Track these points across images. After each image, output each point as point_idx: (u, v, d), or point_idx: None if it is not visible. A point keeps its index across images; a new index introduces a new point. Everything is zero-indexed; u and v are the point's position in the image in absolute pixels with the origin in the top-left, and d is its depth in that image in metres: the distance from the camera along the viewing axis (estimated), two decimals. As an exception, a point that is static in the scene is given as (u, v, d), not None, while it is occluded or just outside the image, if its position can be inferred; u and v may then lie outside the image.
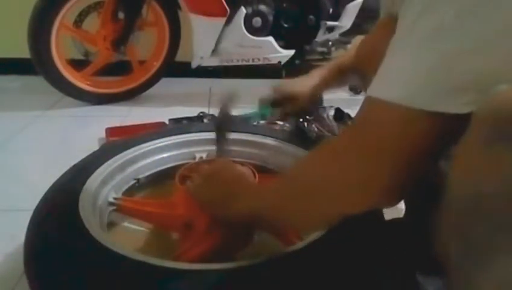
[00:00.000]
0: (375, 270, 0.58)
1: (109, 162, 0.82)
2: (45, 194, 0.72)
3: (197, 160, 0.94)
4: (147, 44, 1.87)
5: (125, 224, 0.83)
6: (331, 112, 1.25)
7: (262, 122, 1.44)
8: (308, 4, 1.77)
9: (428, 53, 0.41)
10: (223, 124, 0.86)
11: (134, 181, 0.88)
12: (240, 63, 1.75)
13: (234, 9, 1.65)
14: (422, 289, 0.59)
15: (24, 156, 1.30)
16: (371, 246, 0.60)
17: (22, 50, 1.65)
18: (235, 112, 0.91)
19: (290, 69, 1.85)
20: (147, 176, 0.90)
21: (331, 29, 1.81)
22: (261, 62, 1.75)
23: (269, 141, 0.97)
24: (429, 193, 0.44)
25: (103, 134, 1.38)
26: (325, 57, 1.86)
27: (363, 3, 1.75)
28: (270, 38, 1.73)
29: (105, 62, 1.77)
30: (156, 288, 0.52)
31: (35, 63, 1.64)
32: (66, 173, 0.78)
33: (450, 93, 0.40)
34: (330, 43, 1.83)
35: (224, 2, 1.61)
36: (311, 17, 1.77)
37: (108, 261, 0.55)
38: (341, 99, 1.48)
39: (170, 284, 0.52)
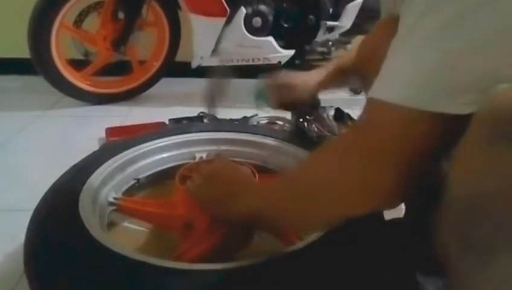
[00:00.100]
0: (375, 270, 0.58)
1: (109, 162, 0.82)
2: (45, 194, 0.71)
3: (197, 160, 0.94)
4: (147, 44, 1.87)
5: (125, 224, 0.83)
6: (331, 112, 1.25)
7: (262, 122, 1.45)
8: (308, 4, 1.76)
9: (429, 53, 0.41)
10: (215, 88, 0.86)
11: (134, 181, 0.88)
12: (240, 63, 1.75)
13: (234, 9, 1.65)
14: (422, 289, 0.59)
15: (24, 156, 1.30)
16: (371, 246, 0.60)
17: (22, 50, 1.65)
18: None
19: (290, 69, 1.85)
20: (147, 176, 0.90)
21: (331, 29, 1.81)
22: (261, 62, 1.75)
23: (269, 141, 0.97)
24: (429, 193, 0.44)
25: (103, 134, 1.38)
26: (325, 57, 1.86)
27: (363, 3, 1.75)
28: (270, 38, 1.73)
29: (105, 62, 1.77)
30: (156, 288, 0.52)
31: (35, 63, 1.64)
32: (66, 173, 0.78)
33: (451, 94, 0.40)
34: (330, 43, 1.83)
35: (224, 2, 1.61)
36: (311, 17, 1.77)
37: (108, 261, 0.55)
38: (341, 99, 1.48)
39: (170, 284, 0.52)
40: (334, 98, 1.25)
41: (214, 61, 1.73)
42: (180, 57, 1.89)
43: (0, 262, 0.82)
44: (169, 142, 0.94)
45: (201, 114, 1.51)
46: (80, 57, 1.88)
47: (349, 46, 1.88)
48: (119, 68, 1.83)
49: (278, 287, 0.53)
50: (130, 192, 0.87)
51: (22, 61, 1.79)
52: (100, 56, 1.77)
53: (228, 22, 1.66)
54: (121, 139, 1.05)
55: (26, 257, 0.60)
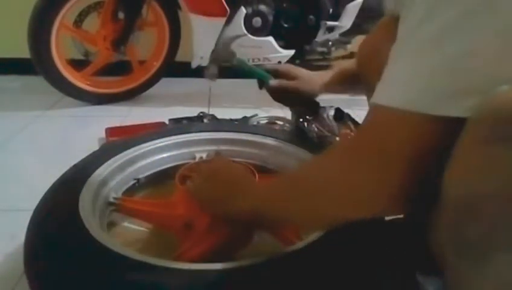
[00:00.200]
0: (375, 270, 0.58)
1: (109, 162, 0.82)
2: (45, 194, 0.71)
3: (197, 160, 0.94)
4: (147, 44, 1.87)
5: (125, 224, 0.83)
6: (331, 112, 1.25)
7: (262, 122, 1.45)
8: (308, 4, 1.76)
9: (430, 57, 0.41)
10: (221, 52, 0.86)
11: (134, 181, 0.88)
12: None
13: (234, 9, 1.65)
14: (422, 289, 0.59)
15: (24, 156, 1.30)
16: (371, 246, 0.60)
17: (22, 50, 1.66)
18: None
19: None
20: (147, 176, 0.90)
21: (331, 29, 1.81)
22: (261, 62, 1.75)
23: (269, 141, 0.97)
24: (429, 194, 0.44)
25: (103, 134, 1.38)
26: (325, 57, 1.86)
27: (363, 3, 1.75)
28: (270, 38, 1.73)
29: (105, 62, 1.78)
30: (156, 288, 0.52)
31: (35, 63, 1.64)
32: (66, 173, 0.78)
33: (452, 97, 0.40)
34: (330, 43, 1.83)
35: (224, 2, 1.61)
36: (311, 17, 1.77)
37: (108, 261, 0.55)
38: (341, 99, 1.48)
39: (170, 284, 0.52)
40: (334, 98, 1.25)
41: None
42: (180, 57, 1.89)
43: (0, 262, 0.82)
44: (169, 142, 0.94)
45: (201, 114, 1.51)
46: (80, 57, 1.88)
47: (349, 46, 1.88)
48: (119, 68, 1.83)
49: (278, 287, 0.53)
50: (130, 192, 0.87)
51: (22, 61, 1.79)
52: (100, 56, 1.77)
53: (228, 22, 1.66)
54: (121, 139, 1.05)
55: (26, 257, 0.60)
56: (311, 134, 1.04)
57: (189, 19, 1.68)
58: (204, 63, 1.72)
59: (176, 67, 1.91)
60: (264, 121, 1.45)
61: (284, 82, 0.96)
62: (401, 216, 0.68)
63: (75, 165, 0.81)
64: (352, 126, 1.22)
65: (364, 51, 0.85)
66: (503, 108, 0.36)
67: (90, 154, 0.86)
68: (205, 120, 1.46)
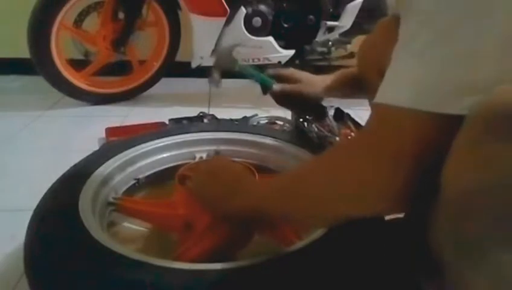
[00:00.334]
0: (375, 270, 0.58)
1: (109, 162, 0.82)
2: (45, 194, 0.71)
3: (197, 160, 0.94)
4: (147, 44, 1.87)
5: (125, 224, 0.83)
6: (331, 112, 1.25)
7: (262, 122, 1.45)
8: (308, 4, 1.77)
9: (434, 56, 0.42)
10: (223, 59, 0.87)
11: (134, 181, 0.88)
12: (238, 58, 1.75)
13: (234, 9, 1.65)
14: (423, 289, 0.59)
15: (24, 156, 1.30)
16: (370, 246, 0.60)
17: (22, 50, 1.66)
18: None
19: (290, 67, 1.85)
20: (147, 176, 0.90)
21: (331, 29, 1.81)
22: (261, 62, 1.75)
23: (269, 141, 0.97)
24: (430, 193, 0.44)
25: (103, 134, 1.38)
26: (325, 57, 1.86)
27: (363, 3, 1.75)
28: (270, 38, 1.73)
29: (105, 62, 1.78)
30: (156, 288, 0.51)
31: (35, 63, 1.64)
32: (66, 173, 0.78)
33: (458, 95, 0.40)
34: (330, 43, 1.83)
35: (224, 2, 1.61)
36: (311, 17, 1.77)
37: (108, 261, 0.55)
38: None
39: (170, 284, 0.51)
40: (334, 98, 1.25)
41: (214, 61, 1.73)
42: (180, 57, 1.89)
43: (0, 262, 0.82)
44: (169, 142, 0.94)
45: (201, 114, 1.51)
46: (79, 57, 1.88)
47: (349, 46, 1.88)
48: (119, 68, 1.83)
49: (277, 287, 0.53)
50: (130, 192, 0.87)
51: (22, 61, 1.79)
52: (100, 56, 1.77)
53: (228, 22, 1.66)
54: (121, 139, 1.05)
55: (26, 257, 0.60)
56: (311, 134, 1.04)
57: (190, 19, 1.68)
58: (205, 63, 1.72)
59: (176, 67, 1.91)
60: (264, 121, 1.45)
61: (287, 86, 0.96)
62: (401, 216, 0.68)
63: (75, 165, 0.81)
64: (352, 126, 1.22)
65: (364, 52, 0.85)
66: (500, 106, 0.36)
67: (90, 154, 0.86)
68: (205, 120, 1.46)
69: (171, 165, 0.93)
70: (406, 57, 0.45)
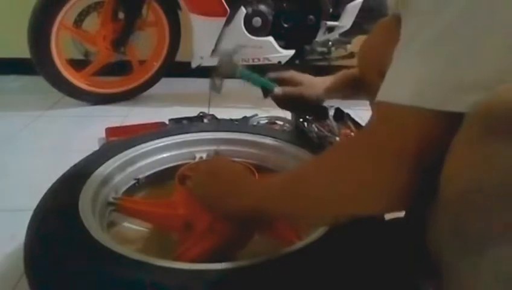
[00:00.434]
0: (375, 270, 0.58)
1: (109, 162, 0.82)
2: (45, 194, 0.71)
3: (197, 160, 0.94)
4: (147, 44, 1.87)
5: (125, 224, 0.83)
6: (331, 112, 1.25)
7: (262, 122, 1.45)
8: (308, 4, 1.77)
9: (436, 54, 0.42)
10: (224, 66, 0.87)
11: (134, 181, 0.88)
12: (239, 63, 1.75)
13: (234, 9, 1.65)
14: (422, 289, 0.59)
15: (24, 156, 1.30)
16: (370, 246, 0.60)
17: (22, 50, 1.66)
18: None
19: (290, 69, 1.85)
20: (147, 176, 0.90)
21: (331, 29, 1.81)
22: (261, 62, 1.75)
23: (269, 141, 0.97)
24: (430, 193, 0.44)
25: (103, 134, 1.38)
26: (325, 57, 1.86)
27: (363, 3, 1.75)
28: (270, 38, 1.74)
29: (105, 62, 1.78)
30: (156, 288, 0.51)
31: (35, 63, 1.64)
32: (66, 173, 0.78)
33: (460, 93, 0.40)
34: (330, 43, 1.83)
35: (224, 2, 1.61)
36: (311, 17, 1.77)
37: (108, 261, 0.55)
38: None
39: (170, 284, 0.51)
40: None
41: (214, 61, 1.73)
42: (180, 57, 1.89)
43: (0, 262, 0.82)
44: (169, 142, 0.94)
45: (201, 114, 1.51)
46: (79, 57, 1.88)
47: (349, 46, 1.88)
48: (119, 68, 1.83)
49: (277, 287, 0.53)
50: (130, 192, 0.87)
51: (22, 61, 1.79)
52: (100, 56, 1.77)
53: (228, 22, 1.66)
54: (121, 139, 1.05)
55: (26, 257, 0.60)
56: (311, 134, 1.04)
57: (190, 19, 1.68)
58: (205, 63, 1.72)
59: (176, 67, 1.91)
60: (264, 121, 1.45)
61: (288, 89, 0.96)
62: (401, 217, 0.68)
63: (75, 165, 0.81)
64: (352, 126, 1.22)
65: (365, 52, 0.85)
66: (500, 105, 0.36)
67: (90, 154, 0.86)
68: (205, 120, 1.46)
69: (171, 165, 0.93)
70: (407, 56, 0.45)
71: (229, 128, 1.04)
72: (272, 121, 1.44)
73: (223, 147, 0.98)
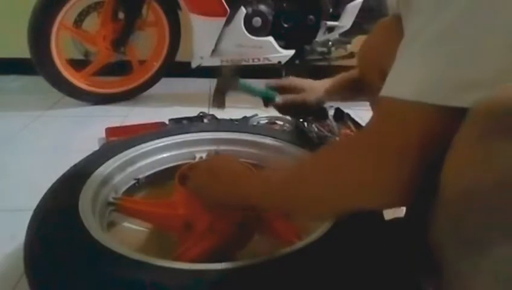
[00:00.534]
0: (375, 270, 0.58)
1: (109, 162, 0.82)
2: (45, 194, 0.71)
3: (197, 160, 0.94)
4: (147, 44, 1.87)
5: (125, 224, 0.83)
6: (331, 112, 1.25)
7: (262, 122, 1.45)
8: (308, 4, 1.77)
9: (440, 51, 0.42)
10: (225, 82, 0.88)
11: (134, 181, 0.88)
12: (239, 63, 1.75)
13: (234, 9, 1.65)
14: (423, 289, 0.59)
15: (24, 156, 1.30)
16: (371, 246, 0.60)
17: (22, 50, 1.66)
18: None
19: (290, 69, 1.85)
20: (147, 176, 0.90)
21: (331, 29, 1.81)
22: (261, 62, 1.75)
23: (269, 141, 0.97)
24: (430, 192, 0.44)
25: (103, 134, 1.38)
26: (325, 57, 1.86)
27: (363, 3, 1.75)
28: (270, 38, 1.74)
29: (105, 62, 1.78)
30: (156, 288, 0.52)
31: (35, 63, 1.64)
32: (66, 173, 0.78)
33: (463, 89, 0.40)
34: (330, 43, 1.83)
35: (224, 2, 1.61)
36: (311, 17, 1.77)
37: (108, 261, 0.55)
38: (341, 99, 1.48)
39: (170, 284, 0.51)
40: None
41: (214, 61, 1.73)
42: (180, 57, 1.89)
43: (0, 262, 0.82)
44: (169, 142, 0.94)
45: (201, 114, 1.51)
46: (79, 57, 1.88)
47: (349, 46, 1.88)
48: (119, 68, 1.83)
49: (277, 287, 0.53)
50: (130, 192, 0.87)
51: (22, 61, 1.79)
52: (100, 56, 1.77)
53: (228, 22, 1.66)
54: (121, 139, 1.05)
55: (26, 257, 0.60)
56: (311, 134, 1.04)
57: (190, 19, 1.68)
58: (205, 63, 1.73)
59: (176, 67, 1.91)
60: (264, 121, 1.45)
61: (289, 97, 0.97)
62: (401, 216, 0.68)
63: (75, 165, 0.81)
64: (352, 126, 1.22)
65: (365, 52, 0.85)
66: (502, 103, 0.36)
67: (90, 154, 0.86)
68: (205, 120, 1.46)
69: (171, 165, 0.93)
70: (409, 55, 0.45)
71: (229, 128, 1.04)
72: (272, 121, 1.44)
73: (223, 147, 0.98)
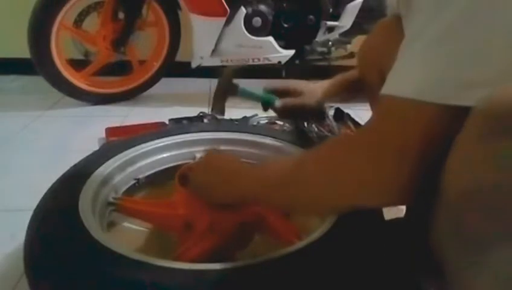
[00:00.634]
0: (376, 270, 0.58)
1: (109, 162, 0.82)
2: (45, 194, 0.71)
3: (197, 160, 0.94)
4: (147, 44, 1.87)
5: (125, 224, 0.83)
6: (331, 112, 1.25)
7: (262, 122, 1.45)
8: (308, 4, 1.77)
9: (442, 49, 0.42)
10: (224, 87, 0.88)
11: (134, 181, 0.88)
12: (239, 63, 1.75)
13: (234, 9, 1.65)
14: (423, 289, 0.59)
15: (24, 156, 1.30)
16: (371, 246, 0.60)
17: (22, 50, 1.66)
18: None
19: (290, 69, 1.85)
20: (147, 176, 0.90)
21: (331, 29, 1.81)
22: (261, 62, 1.75)
23: (269, 141, 0.97)
24: (430, 192, 0.44)
25: (103, 134, 1.38)
26: (325, 57, 1.86)
27: (363, 3, 1.75)
28: (270, 38, 1.74)
29: (105, 62, 1.78)
30: (156, 288, 0.52)
31: (35, 63, 1.64)
32: (66, 173, 0.78)
33: (464, 88, 0.40)
34: (330, 43, 1.83)
35: (224, 2, 1.61)
36: (311, 17, 1.77)
37: (108, 261, 0.55)
38: (341, 99, 1.48)
39: (170, 284, 0.51)
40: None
41: (214, 61, 1.73)
42: (180, 57, 1.89)
43: (0, 262, 0.82)
44: (169, 142, 0.94)
45: (201, 114, 1.51)
46: (79, 57, 1.88)
47: (349, 46, 1.88)
48: (119, 68, 1.83)
49: (277, 287, 0.53)
50: (130, 192, 0.87)
51: (22, 61, 1.79)
52: (100, 56, 1.77)
53: (228, 22, 1.66)
54: (121, 139, 1.05)
55: (26, 257, 0.60)
56: (311, 134, 1.04)
57: (190, 19, 1.68)
58: (205, 63, 1.73)
59: (176, 67, 1.91)
60: (264, 121, 1.45)
61: (289, 101, 0.97)
62: (401, 216, 0.68)
63: (75, 165, 0.81)
64: (352, 126, 1.22)
65: (365, 52, 0.85)
66: (500, 102, 0.36)
67: (90, 154, 0.86)
68: (205, 120, 1.46)
69: (171, 165, 0.93)
70: (409, 55, 0.45)
71: (229, 128, 1.04)
72: (272, 121, 1.44)
73: (223, 147, 0.98)
